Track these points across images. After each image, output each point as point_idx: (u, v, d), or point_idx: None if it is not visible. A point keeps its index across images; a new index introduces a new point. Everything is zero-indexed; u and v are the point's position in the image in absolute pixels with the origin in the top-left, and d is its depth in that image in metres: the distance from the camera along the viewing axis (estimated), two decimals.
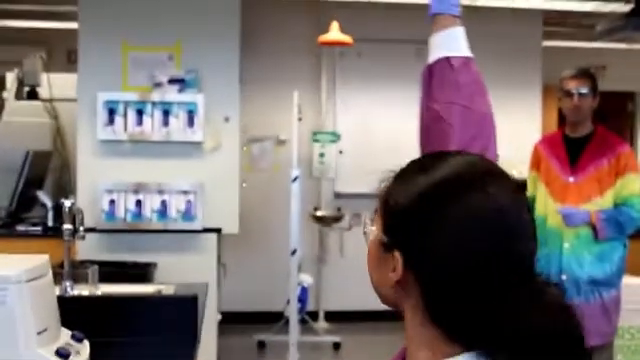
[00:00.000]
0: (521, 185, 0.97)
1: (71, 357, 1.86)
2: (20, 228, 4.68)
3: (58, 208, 4.70)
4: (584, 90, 3.34)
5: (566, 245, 3.27)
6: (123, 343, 2.10)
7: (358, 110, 6.10)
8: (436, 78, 1.28)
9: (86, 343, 1.98)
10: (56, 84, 5.03)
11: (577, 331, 0.91)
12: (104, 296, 2.50)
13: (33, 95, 5.07)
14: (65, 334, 1.96)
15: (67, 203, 2.49)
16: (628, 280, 4.38)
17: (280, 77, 5.93)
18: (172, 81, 4.48)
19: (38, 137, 5.06)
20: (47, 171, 5.09)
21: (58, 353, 1.84)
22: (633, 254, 4.60)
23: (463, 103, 1.24)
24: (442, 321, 0.91)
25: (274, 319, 5.32)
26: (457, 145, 1.21)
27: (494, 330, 0.87)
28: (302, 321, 5.30)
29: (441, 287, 0.90)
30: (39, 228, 4.70)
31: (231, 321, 5.83)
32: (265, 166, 5.88)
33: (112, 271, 4.26)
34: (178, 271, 4.29)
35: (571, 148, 3.38)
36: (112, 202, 4.44)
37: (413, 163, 1.01)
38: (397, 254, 0.94)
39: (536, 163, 3.49)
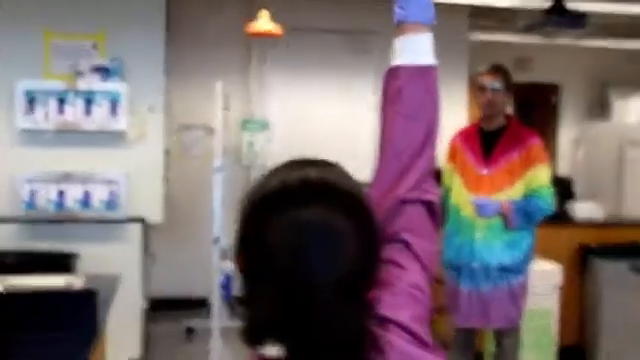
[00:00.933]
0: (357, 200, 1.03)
1: None
2: None
3: None
4: (497, 85, 3.43)
5: (478, 234, 3.37)
6: (16, 340, 2.11)
7: (288, 100, 6.15)
8: (386, 85, 1.24)
9: None
10: None
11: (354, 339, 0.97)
12: None
13: None
14: None
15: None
16: (536, 265, 4.59)
17: (209, 66, 5.93)
18: (95, 69, 4.46)
19: None
20: None
21: None
22: (542, 240, 4.83)
23: (405, 112, 1.20)
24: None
25: (203, 306, 5.36)
26: (393, 155, 1.20)
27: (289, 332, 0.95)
28: (230, 307, 5.35)
29: (242, 289, 1.00)
30: None
31: (162, 308, 5.86)
32: (196, 154, 5.90)
33: (33, 262, 4.25)
34: (102, 261, 4.30)
35: (485, 141, 3.48)
36: (33, 192, 4.41)
37: (267, 172, 1.07)
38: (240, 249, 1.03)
39: (452, 155, 3.57)
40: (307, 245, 0.95)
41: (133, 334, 4.60)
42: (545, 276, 4.53)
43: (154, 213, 4.60)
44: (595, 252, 4.76)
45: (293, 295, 0.93)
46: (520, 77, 7.60)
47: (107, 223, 4.47)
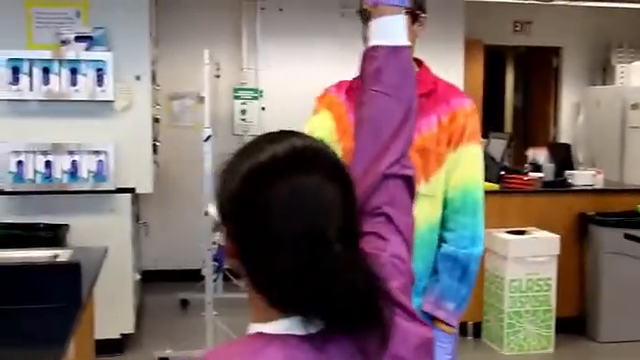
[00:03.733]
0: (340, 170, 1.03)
1: None
2: None
3: None
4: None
5: None
6: (1, 312, 2.06)
7: (281, 67, 6.02)
8: (364, 65, 1.29)
9: None
10: None
11: (375, 291, 0.98)
12: None
13: None
14: None
15: None
16: (534, 234, 4.52)
17: (199, 32, 5.80)
18: (79, 38, 4.33)
19: None
20: None
21: None
22: (540, 209, 4.74)
23: (385, 91, 1.24)
24: (260, 289, 1.00)
25: (197, 277, 5.30)
26: (374, 133, 1.23)
27: (304, 296, 0.96)
28: (224, 278, 5.31)
29: (252, 258, 0.99)
30: None
31: (155, 280, 5.81)
32: (186, 123, 5.79)
33: (21, 234, 4.19)
34: (93, 233, 4.23)
35: None
36: (20, 163, 4.32)
37: (240, 149, 1.06)
38: (228, 226, 1.02)
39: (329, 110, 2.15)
40: (317, 205, 0.98)
41: (126, 306, 4.55)
42: (543, 245, 4.46)
43: (144, 183, 4.52)
44: (594, 220, 4.67)
45: (314, 250, 0.95)
46: (520, 40, 7.50)
47: (96, 194, 4.39)
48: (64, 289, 2.23)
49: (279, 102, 5.89)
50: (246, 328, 1.03)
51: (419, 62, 2.05)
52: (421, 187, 1.89)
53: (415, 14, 1.96)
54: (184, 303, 5.41)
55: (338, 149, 1.92)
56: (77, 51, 4.28)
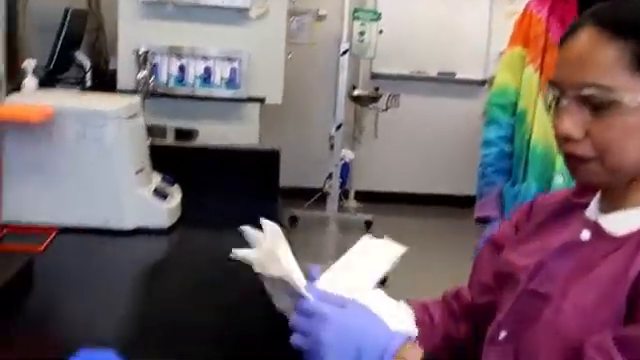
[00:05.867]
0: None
1: (167, 198, 1.85)
2: (58, 88, 4.60)
3: (97, 69, 4.62)
4: None
5: (558, 179, 1.95)
6: (208, 191, 2.07)
7: None
8: None
9: (177, 187, 1.96)
10: None
11: None
12: (187, 146, 2.47)
13: None
14: (156, 177, 1.93)
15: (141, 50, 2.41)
16: None
17: None
18: None
19: None
20: (84, 32, 4.96)
21: (156, 192, 1.82)
22: None
23: None
24: None
25: (307, 195, 5.33)
26: None
27: None
28: (344, 195, 5.32)
29: None
30: (77, 89, 4.61)
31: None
32: (303, 40, 5.73)
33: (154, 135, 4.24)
34: (219, 140, 4.24)
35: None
36: (154, 66, 4.34)
37: None
38: None
39: (524, 37, 2.08)
40: None
41: None
42: None
43: (274, 94, 4.50)
44: None
45: None
46: None
47: (227, 102, 4.40)
48: (264, 174, 2.24)
49: (397, 26, 5.78)
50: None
51: None
52: None
53: None
54: (293, 220, 5.46)
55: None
56: None
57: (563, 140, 0.92)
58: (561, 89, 0.92)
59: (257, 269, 0.99)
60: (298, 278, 0.96)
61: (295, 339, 0.93)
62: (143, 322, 1.33)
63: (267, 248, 0.98)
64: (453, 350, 1.17)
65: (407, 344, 0.92)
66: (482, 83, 6.11)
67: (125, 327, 1.31)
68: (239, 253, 1.02)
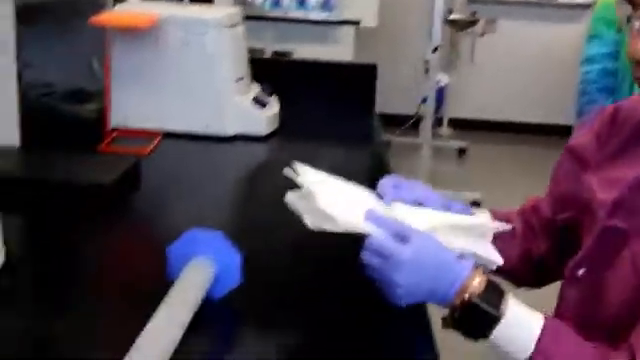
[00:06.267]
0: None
1: (266, 107, 1.87)
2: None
3: None
4: None
5: None
6: (305, 103, 2.08)
7: None
8: None
9: (275, 97, 1.98)
10: None
11: None
12: (285, 60, 2.47)
13: None
14: (255, 87, 1.96)
15: None
16: None
17: None
18: None
19: None
20: None
21: (255, 101, 1.85)
22: None
23: None
24: None
25: (399, 121, 5.29)
26: None
27: None
28: (438, 122, 5.24)
29: None
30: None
31: None
32: None
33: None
34: None
35: None
36: None
37: None
38: None
39: None
40: None
41: None
42: None
43: (369, 17, 4.45)
44: None
45: None
46: None
47: (322, 24, 4.38)
48: (361, 90, 2.21)
49: None
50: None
51: None
52: None
53: None
54: (386, 145, 5.43)
55: None
56: None
57: (636, 63, 0.86)
58: (634, 5, 0.86)
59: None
60: (357, 223, 0.92)
61: (368, 271, 0.93)
62: (243, 221, 1.38)
63: (316, 208, 0.92)
64: (531, 264, 1.16)
65: (473, 272, 0.90)
66: (587, 6, 5.81)
67: (228, 224, 1.36)
68: (290, 200, 0.98)
